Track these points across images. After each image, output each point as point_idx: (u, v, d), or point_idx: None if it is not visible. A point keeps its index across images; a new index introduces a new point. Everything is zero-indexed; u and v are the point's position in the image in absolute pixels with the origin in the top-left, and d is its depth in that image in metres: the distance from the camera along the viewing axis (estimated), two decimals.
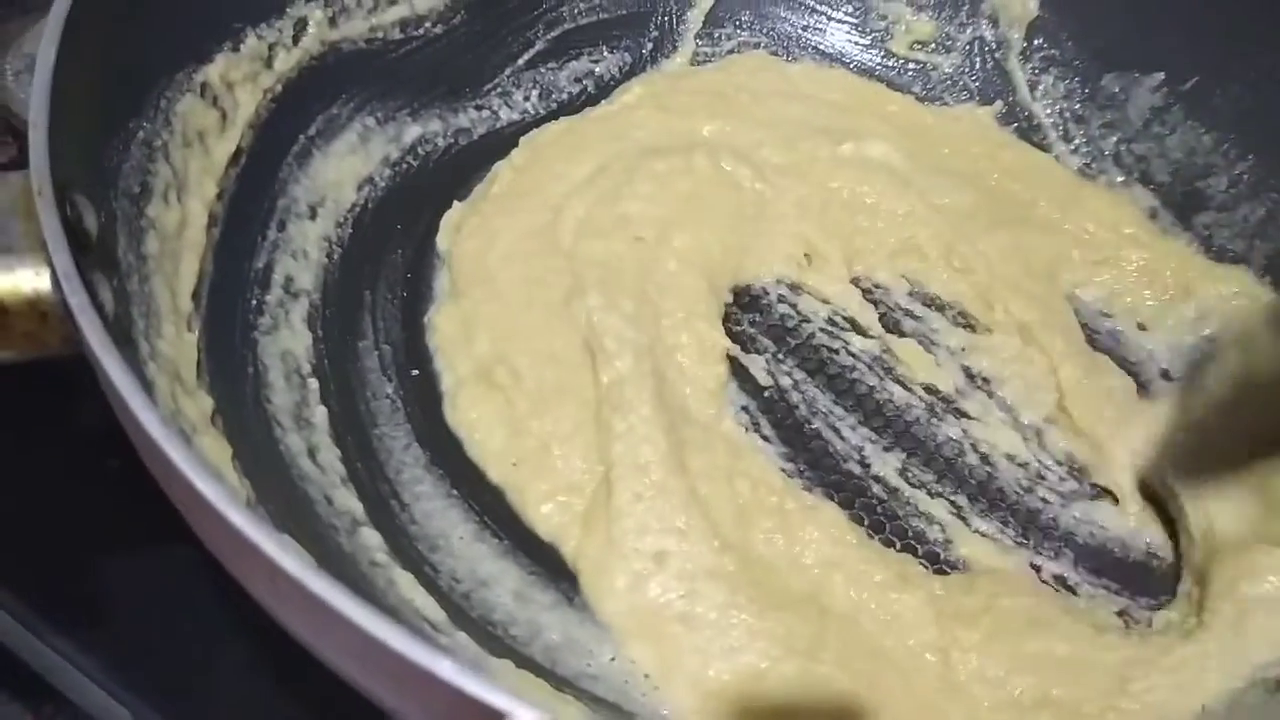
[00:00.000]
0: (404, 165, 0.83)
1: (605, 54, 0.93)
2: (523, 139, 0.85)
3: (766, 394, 0.75)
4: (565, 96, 0.91)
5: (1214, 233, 0.86)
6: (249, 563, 0.39)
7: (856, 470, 0.72)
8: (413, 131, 0.84)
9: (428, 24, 0.86)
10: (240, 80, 0.73)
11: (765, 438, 0.73)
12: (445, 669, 0.35)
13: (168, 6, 0.66)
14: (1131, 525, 0.72)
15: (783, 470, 0.71)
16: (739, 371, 0.76)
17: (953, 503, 0.72)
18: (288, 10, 0.77)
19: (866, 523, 0.70)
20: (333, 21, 0.80)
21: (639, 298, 0.73)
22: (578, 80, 0.92)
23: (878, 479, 0.72)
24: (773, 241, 0.80)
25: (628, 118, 0.87)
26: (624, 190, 0.79)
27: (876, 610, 0.62)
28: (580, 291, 0.73)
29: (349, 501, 0.63)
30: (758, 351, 0.77)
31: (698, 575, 0.61)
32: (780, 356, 0.78)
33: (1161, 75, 0.89)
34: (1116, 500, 0.73)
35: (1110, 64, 0.92)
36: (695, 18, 0.96)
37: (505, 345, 0.70)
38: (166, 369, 0.55)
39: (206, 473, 0.39)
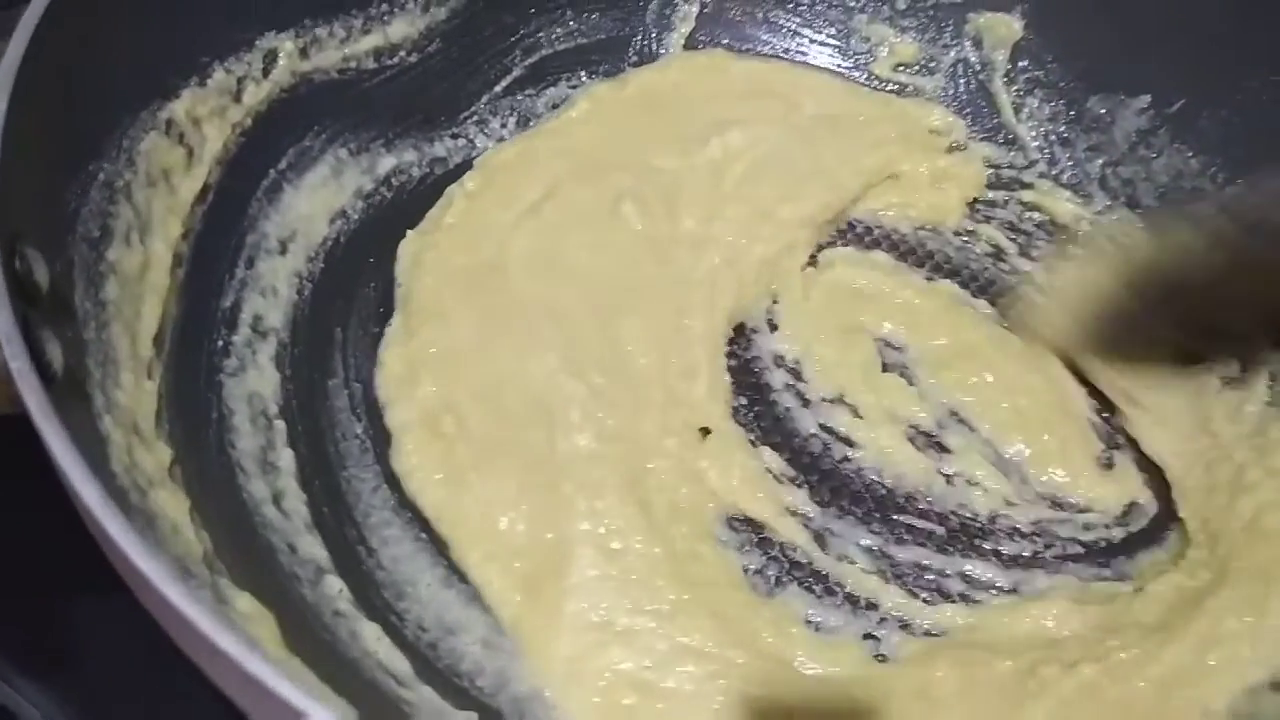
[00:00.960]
0: (378, 197, 0.82)
1: (583, 79, 0.92)
2: (477, 160, 0.84)
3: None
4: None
5: None
6: (192, 640, 0.38)
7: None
8: (387, 162, 0.83)
9: (402, 53, 0.85)
10: (207, 115, 0.72)
11: None
12: None
13: (130, 44, 0.65)
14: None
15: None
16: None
17: (931, 537, 0.71)
18: (257, 43, 0.76)
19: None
20: (304, 53, 0.79)
21: (607, 373, 0.71)
22: (555, 106, 0.91)
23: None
24: (717, 313, 0.78)
25: (575, 133, 0.87)
26: (567, 236, 0.78)
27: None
28: (538, 347, 0.71)
29: (314, 549, 0.62)
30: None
31: (673, 653, 0.60)
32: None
33: (1148, 98, 0.88)
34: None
35: (1096, 86, 0.91)
36: (675, 41, 0.95)
37: (453, 391, 0.69)
38: (123, 420, 0.54)
39: (146, 549, 0.38)
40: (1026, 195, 0.91)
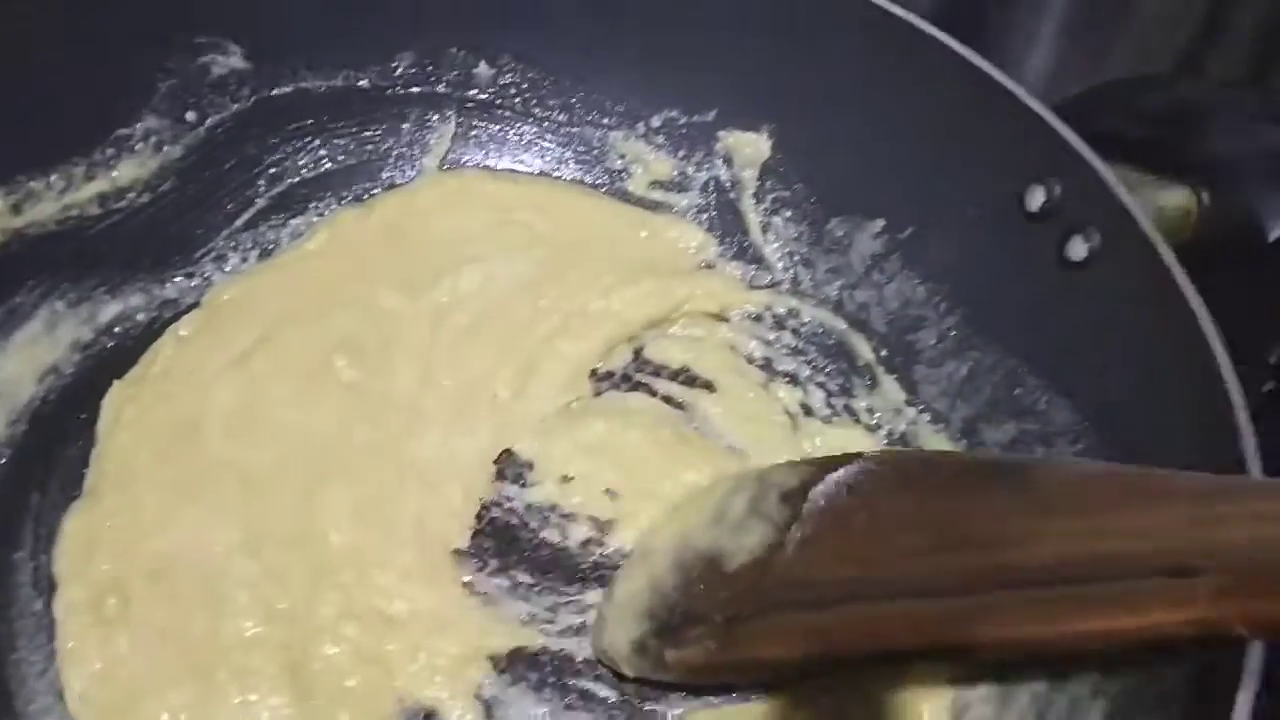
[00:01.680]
0: (97, 347, 0.82)
1: (333, 205, 0.93)
2: (204, 298, 0.84)
3: None
4: None
5: (923, 389, 0.87)
6: None
7: None
8: (110, 310, 0.83)
9: (132, 195, 0.85)
10: None
11: None
12: None
13: None
14: None
15: None
16: None
17: (602, 704, 0.72)
18: None
19: None
20: (16, 209, 0.79)
21: (291, 550, 0.71)
22: (300, 236, 0.91)
23: None
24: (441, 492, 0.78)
25: (307, 267, 0.87)
26: (273, 389, 0.78)
27: None
28: (223, 519, 0.71)
29: None
30: None
31: None
32: None
33: (882, 222, 0.89)
34: None
35: (836, 208, 0.92)
36: (430, 163, 0.96)
37: (126, 569, 0.69)
38: None
39: None
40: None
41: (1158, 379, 0.70)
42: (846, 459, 0.69)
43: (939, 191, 0.86)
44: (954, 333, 0.86)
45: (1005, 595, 0.57)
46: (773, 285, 0.94)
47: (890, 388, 0.88)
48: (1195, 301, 0.68)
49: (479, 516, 0.78)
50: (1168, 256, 0.70)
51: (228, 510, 0.73)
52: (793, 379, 0.90)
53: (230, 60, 0.87)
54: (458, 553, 0.76)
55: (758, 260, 0.94)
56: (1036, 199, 0.78)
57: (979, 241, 0.84)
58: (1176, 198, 0.77)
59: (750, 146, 0.94)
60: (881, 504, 0.65)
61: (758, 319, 0.93)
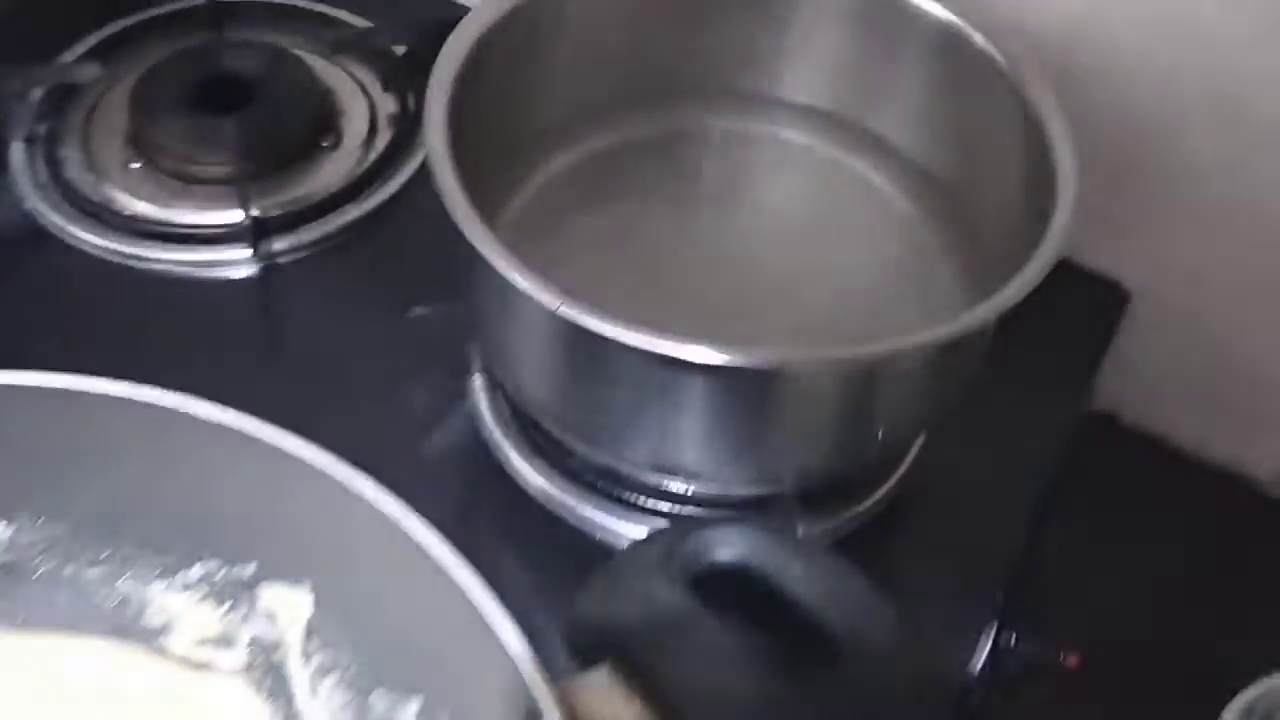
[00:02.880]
0: None
1: None
2: None
3: None
4: None
5: None
6: None
7: None
8: None
9: None
10: None
11: None
12: None
13: None
14: None
15: None
16: None
17: None
18: None
19: None
20: None
21: None
22: None
23: None
24: None
25: None
26: None
27: None
28: None
29: None
30: None
31: None
32: None
33: (420, 701, 0.83)
34: None
35: (379, 679, 0.85)
36: None
37: None
38: None
39: None
40: None
41: None
42: None
43: (470, 684, 0.79)
44: None
45: None
46: None
47: None
48: None
49: None
50: None
51: None
52: None
53: None
54: None
55: None
56: None
57: None
58: None
59: (293, 603, 0.88)
60: None
61: None
